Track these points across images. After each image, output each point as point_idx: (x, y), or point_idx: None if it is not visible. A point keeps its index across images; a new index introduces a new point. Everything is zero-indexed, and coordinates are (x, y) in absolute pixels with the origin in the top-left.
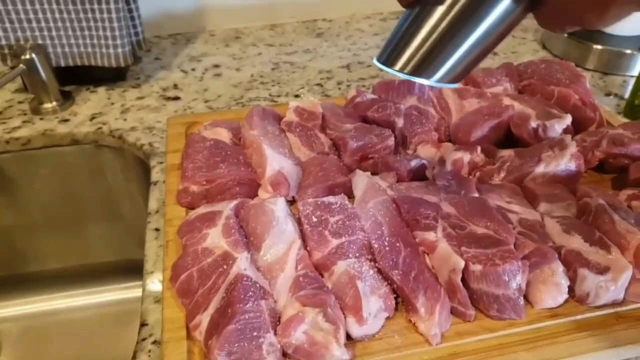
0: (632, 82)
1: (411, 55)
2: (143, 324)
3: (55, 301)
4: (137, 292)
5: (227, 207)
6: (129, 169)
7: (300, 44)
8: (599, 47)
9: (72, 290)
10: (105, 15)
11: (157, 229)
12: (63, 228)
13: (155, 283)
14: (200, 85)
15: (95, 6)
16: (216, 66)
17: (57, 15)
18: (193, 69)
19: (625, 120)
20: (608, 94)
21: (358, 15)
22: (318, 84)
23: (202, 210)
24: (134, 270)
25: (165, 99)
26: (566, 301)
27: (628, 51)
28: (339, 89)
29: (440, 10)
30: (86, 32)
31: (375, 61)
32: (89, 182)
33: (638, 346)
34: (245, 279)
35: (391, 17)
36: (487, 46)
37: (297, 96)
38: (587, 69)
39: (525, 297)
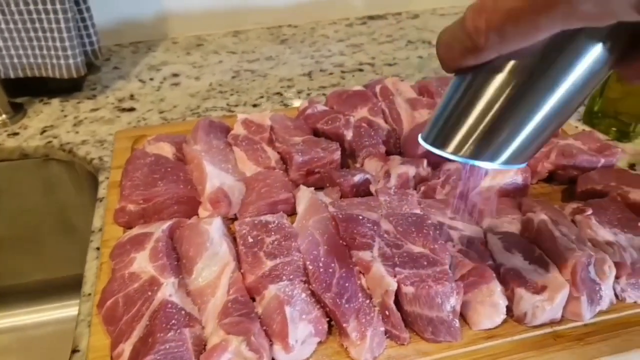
0: None
1: (466, 135)
2: (74, 350)
3: (15, 318)
4: None
5: (159, 229)
6: (81, 183)
7: (263, 50)
8: None
9: (33, 307)
10: (54, 25)
11: (98, 248)
12: (19, 244)
13: (89, 306)
14: (157, 96)
15: (43, 16)
16: (175, 75)
17: (3, 25)
18: (151, 79)
19: (585, 127)
20: None
21: (324, 21)
22: (277, 93)
23: (135, 231)
24: None
25: (120, 111)
26: (504, 321)
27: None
28: (299, 97)
29: (499, 79)
30: (35, 43)
31: (421, 140)
32: (42, 196)
33: None
34: (169, 305)
35: (357, 23)
36: (562, 116)
37: (255, 105)
38: None
39: (463, 318)
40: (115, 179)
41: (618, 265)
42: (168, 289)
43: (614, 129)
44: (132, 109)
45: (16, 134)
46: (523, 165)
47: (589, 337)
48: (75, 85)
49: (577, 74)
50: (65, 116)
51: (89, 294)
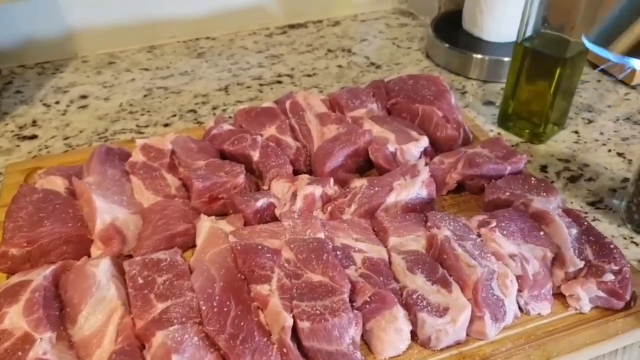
0: None
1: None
2: None
3: None
4: None
5: (40, 276)
6: None
7: (178, 65)
8: (479, 56)
9: None
10: None
11: None
12: None
13: None
14: (62, 120)
15: None
16: (83, 97)
17: None
18: (57, 102)
19: (500, 129)
20: (486, 103)
21: (243, 31)
22: (192, 110)
23: (12, 280)
24: None
25: (20, 139)
26: (410, 347)
27: (506, 59)
28: (214, 114)
29: None
30: None
31: (585, 40)
32: None
33: None
34: None
35: (277, 32)
36: None
37: (166, 125)
38: (470, 78)
39: (368, 347)
40: (1, 219)
41: (520, 278)
42: (42, 346)
43: (527, 130)
44: (33, 137)
45: None
46: None
47: (495, 355)
48: None
49: None
50: None
51: None
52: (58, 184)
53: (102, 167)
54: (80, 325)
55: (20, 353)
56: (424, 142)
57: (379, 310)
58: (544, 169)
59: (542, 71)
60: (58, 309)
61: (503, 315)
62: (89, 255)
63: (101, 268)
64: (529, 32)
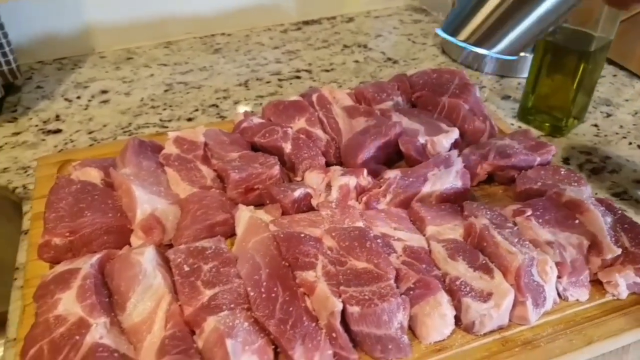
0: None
1: (475, 27)
2: None
3: None
4: None
5: (87, 264)
6: (6, 212)
7: (196, 61)
8: None
9: None
10: None
11: (23, 287)
12: None
13: (13, 354)
14: (85, 115)
15: None
16: (104, 92)
17: None
18: (78, 97)
19: (520, 123)
20: (504, 98)
21: (258, 27)
22: (213, 105)
23: (60, 268)
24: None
25: (45, 133)
26: (453, 331)
27: (521, 54)
28: (236, 108)
29: None
30: None
31: (439, 31)
32: None
33: None
34: (100, 349)
35: (292, 29)
36: (548, 22)
37: (190, 119)
38: (486, 73)
39: (412, 332)
40: (39, 210)
41: (559, 265)
42: (98, 331)
43: (547, 124)
44: (58, 131)
45: None
46: (514, 57)
47: (536, 340)
48: None
49: None
50: None
51: (14, 339)
52: (94, 175)
53: (137, 159)
54: (129, 312)
55: (77, 337)
56: (455, 133)
57: (423, 296)
58: (566, 161)
59: (564, 65)
60: (107, 296)
61: (543, 301)
62: (129, 245)
63: (146, 256)
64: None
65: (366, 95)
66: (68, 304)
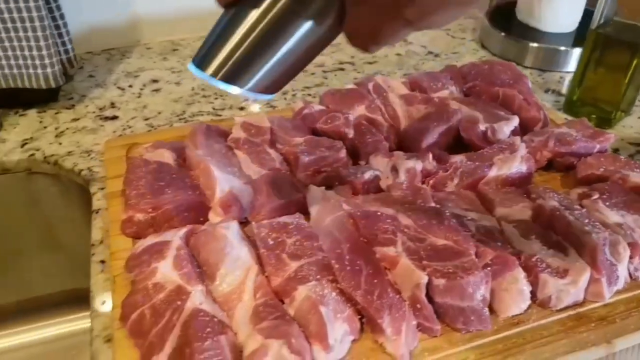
0: (568, 78)
1: (224, 60)
2: None
3: None
4: (83, 324)
5: (176, 236)
6: (68, 195)
7: None
8: (535, 44)
9: (13, 328)
10: (31, 34)
11: (102, 261)
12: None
13: (104, 321)
14: (139, 103)
15: (19, 24)
16: (154, 81)
17: None
18: (130, 86)
19: (566, 116)
20: (547, 91)
21: None
22: None
23: (149, 241)
24: (79, 301)
25: (102, 119)
26: (529, 306)
27: (562, 48)
28: (285, 99)
29: (254, 15)
30: (10, 53)
31: (190, 65)
32: (22, 212)
33: (600, 347)
34: (201, 314)
35: None
36: (299, 60)
37: (242, 109)
38: (525, 67)
39: (489, 306)
40: (113, 189)
41: (631, 245)
42: (198, 297)
43: (594, 116)
44: (115, 117)
45: None
46: (269, 97)
47: (611, 316)
48: (50, 96)
49: (302, 29)
50: (45, 127)
51: (99, 309)
52: (167, 156)
53: (207, 141)
54: (219, 282)
55: (179, 302)
56: (515, 121)
57: (501, 272)
58: (616, 152)
59: (615, 59)
60: (197, 267)
61: (616, 280)
62: (209, 221)
63: (231, 230)
64: (602, 20)
65: (421, 84)
66: (166, 272)
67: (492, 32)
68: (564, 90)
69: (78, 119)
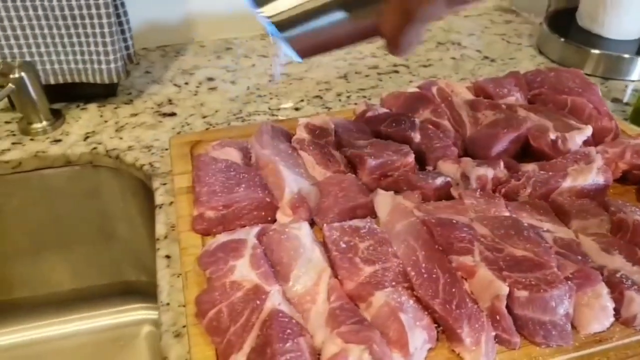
0: (632, 86)
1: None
2: None
3: (47, 328)
4: (133, 316)
5: (250, 235)
6: (126, 189)
7: None
8: (597, 51)
9: (65, 316)
10: (97, 30)
11: (167, 256)
12: (53, 252)
13: (173, 316)
14: (196, 100)
15: (87, 21)
16: (210, 79)
17: (46, 31)
18: (186, 83)
19: (633, 126)
20: (613, 100)
21: None
22: (317, 96)
23: (222, 238)
24: (129, 293)
25: (161, 115)
26: (612, 324)
27: (627, 55)
28: (339, 100)
29: None
30: (77, 48)
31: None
32: (79, 203)
33: None
34: (281, 315)
35: None
36: (340, 37)
37: (297, 109)
38: (587, 74)
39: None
40: (181, 185)
41: None
42: (276, 297)
43: None
44: (173, 114)
45: (59, 140)
46: (299, 59)
47: None
48: (110, 91)
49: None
50: (106, 122)
51: (167, 304)
52: (234, 155)
53: (273, 142)
54: (292, 284)
55: (258, 302)
56: (588, 131)
57: (582, 287)
58: None
59: None
60: (270, 266)
61: None
62: (274, 221)
63: (303, 231)
64: None
65: (487, 90)
66: (243, 271)
67: (551, 37)
68: (626, 99)
69: (137, 114)
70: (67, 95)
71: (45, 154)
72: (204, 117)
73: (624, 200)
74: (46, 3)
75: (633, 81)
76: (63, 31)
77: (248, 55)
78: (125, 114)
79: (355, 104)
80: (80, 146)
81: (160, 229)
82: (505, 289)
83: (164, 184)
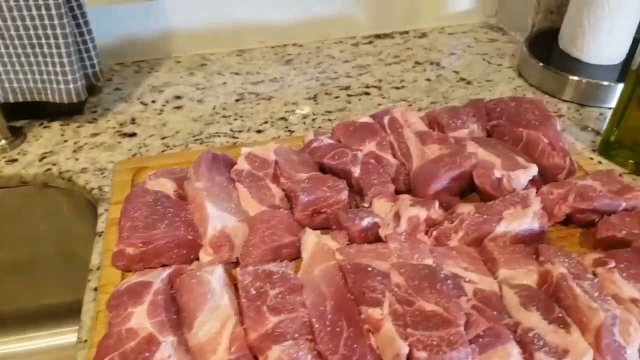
0: (610, 114)
1: None
2: None
3: (10, 345)
4: None
5: (158, 278)
6: (81, 209)
7: (268, 71)
8: (575, 78)
9: (27, 333)
10: (54, 50)
11: (95, 289)
12: (14, 269)
13: (87, 354)
14: (159, 120)
15: (43, 40)
16: (178, 97)
17: (2, 50)
18: (153, 101)
19: (600, 159)
20: (584, 128)
21: (329, 40)
22: (282, 118)
23: (133, 280)
24: None
25: (121, 136)
26: None
27: (605, 82)
28: (304, 123)
29: None
30: (35, 67)
31: None
32: (40, 222)
33: None
34: None
35: (363, 42)
36: None
37: (259, 131)
38: (564, 100)
39: None
40: (115, 215)
41: None
42: (167, 350)
43: (631, 161)
44: (133, 134)
45: (15, 160)
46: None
47: None
48: (76, 108)
49: None
50: (65, 141)
51: (85, 340)
52: (168, 186)
53: (209, 173)
54: (195, 332)
55: (147, 354)
56: (533, 170)
57: (493, 345)
58: None
59: None
60: (175, 312)
61: None
62: (197, 259)
63: (215, 275)
64: None
65: (440, 121)
66: (140, 319)
67: (530, 61)
68: (603, 128)
69: (98, 134)
70: (32, 112)
71: (0, 174)
72: (163, 138)
73: (565, 245)
74: (1, 23)
75: (610, 108)
76: (20, 50)
77: (221, 73)
78: (86, 134)
79: (320, 127)
80: (34, 167)
81: (94, 259)
82: (405, 349)
83: (107, 210)
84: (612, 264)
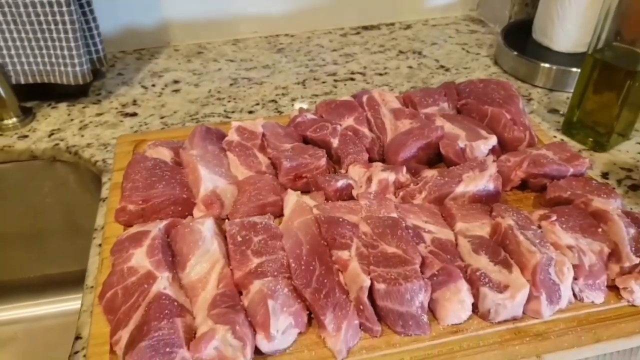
0: None
1: None
2: (77, 337)
3: (18, 310)
4: None
5: (155, 228)
6: (86, 183)
7: (261, 59)
8: (547, 65)
9: (35, 300)
10: (62, 35)
11: (100, 245)
12: (22, 240)
13: (91, 298)
14: (158, 101)
15: (52, 26)
16: (176, 82)
17: (15, 34)
18: (153, 85)
19: (563, 137)
20: (551, 111)
21: (319, 30)
22: (273, 100)
23: (133, 230)
24: None
25: (123, 115)
26: (470, 317)
27: (573, 69)
28: (292, 105)
29: None
30: (44, 51)
31: None
32: (49, 196)
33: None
34: (163, 297)
35: (351, 33)
36: None
37: (250, 112)
38: (536, 86)
39: (433, 314)
40: (117, 180)
41: (576, 267)
42: (162, 283)
43: (590, 139)
44: (134, 114)
45: (25, 136)
46: None
47: (547, 333)
48: (81, 91)
49: None
50: (72, 120)
51: (91, 287)
52: (165, 154)
53: (203, 143)
54: (188, 271)
55: (145, 286)
56: (493, 140)
57: (445, 283)
58: (605, 175)
59: (610, 83)
60: (170, 255)
61: (558, 299)
62: (192, 216)
63: (206, 226)
64: (600, 44)
65: (413, 99)
66: (139, 258)
67: (505, 50)
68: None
69: (102, 114)
70: (41, 93)
71: (12, 149)
72: (162, 117)
73: (520, 206)
74: (14, 9)
75: None
76: (31, 35)
77: (217, 60)
78: (91, 113)
79: (307, 108)
80: (44, 142)
81: (99, 220)
82: (367, 281)
83: (111, 179)
84: (554, 217)
